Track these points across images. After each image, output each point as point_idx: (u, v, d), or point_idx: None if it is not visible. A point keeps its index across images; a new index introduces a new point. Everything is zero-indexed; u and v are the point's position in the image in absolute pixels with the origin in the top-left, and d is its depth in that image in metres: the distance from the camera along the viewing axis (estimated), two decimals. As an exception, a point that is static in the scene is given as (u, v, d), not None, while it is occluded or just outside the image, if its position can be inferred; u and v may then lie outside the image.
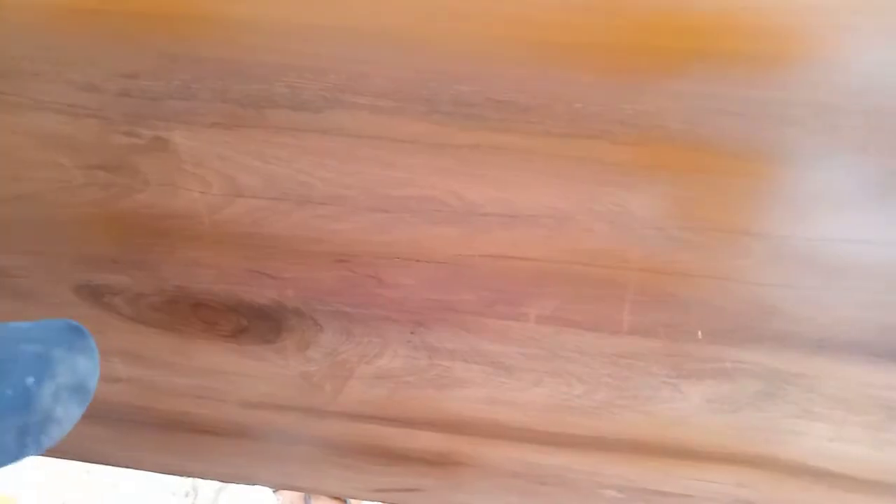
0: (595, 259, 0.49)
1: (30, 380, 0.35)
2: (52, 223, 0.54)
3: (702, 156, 0.44)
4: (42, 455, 0.90)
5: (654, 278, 0.50)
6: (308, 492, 0.92)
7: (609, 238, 0.47)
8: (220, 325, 0.71)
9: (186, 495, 1.33)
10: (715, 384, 0.62)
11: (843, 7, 0.39)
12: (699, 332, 0.53)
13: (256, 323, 0.70)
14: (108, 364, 0.79)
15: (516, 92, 0.41)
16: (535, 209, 0.47)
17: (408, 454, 0.83)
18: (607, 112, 0.42)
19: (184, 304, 0.69)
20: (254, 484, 0.87)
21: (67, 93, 0.45)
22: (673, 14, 0.39)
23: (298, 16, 0.40)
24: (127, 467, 0.98)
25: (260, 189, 0.49)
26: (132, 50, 0.42)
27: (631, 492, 0.76)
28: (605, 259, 0.49)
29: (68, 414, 0.39)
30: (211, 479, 0.90)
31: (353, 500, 1.09)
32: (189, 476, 0.95)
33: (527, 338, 0.63)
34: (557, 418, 0.74)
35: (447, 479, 0.85)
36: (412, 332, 0.66)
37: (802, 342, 0.56)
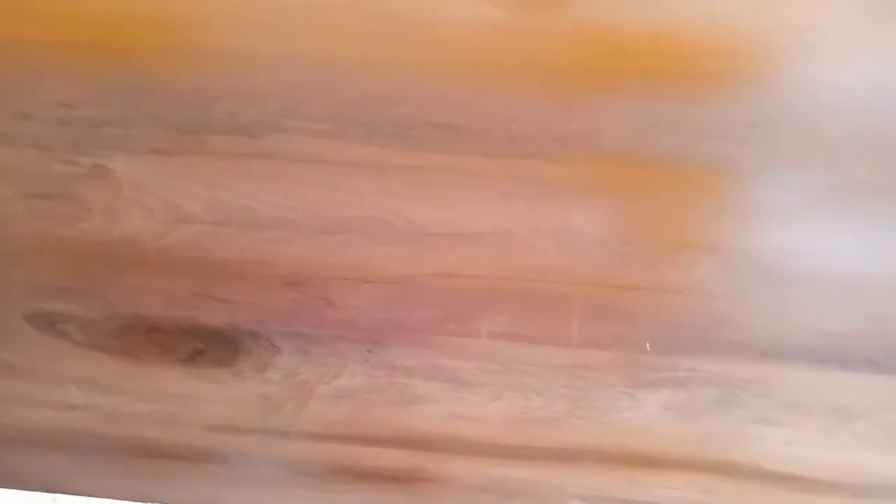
0: (542, 275, 0.49)
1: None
2: (-4, 253, 0.53)
3: (641, 172, 0.45)
4: (3, 487, 0.88)
5: (601, 292, 0.51)
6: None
7: (554, 254, 0.48)
8: (176, 349, 0.70)
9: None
10: (670, 393, 0.63)
11: (780, 27, 0.40)
12: (647, 344, 0.54)
13: (213, 346, 0.69)
14: (63, 392, 0.78)
15: (454, 114, 0.41)
16: (479, 228, 0.47)
17: (374, 472, 0.83)
18: (544, 132, 0.42)
19: (138, 330, 0.68)
20: (218, 508, 0.86)
21: (5, 122, 0.44)
22: (606, 35, 0.40)
23: (235, 42, 0.40)
24: (92, 495, 0.96)
25: (203, 214, 0.49)
26: (68, 79, 0.42)
27: (597, 501, 0.76)
28: (551, 275, 0.49)
29: None
30: (174, 506, 0.89)
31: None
32: (155, 502, 0.93)
33: (483, 353, 0.63)
34: (519, 431, 0.74)
35: (415, 495, 0.84)
36: (369, 351, 0.66)
37: (752, 349, 0.57)
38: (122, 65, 0.42)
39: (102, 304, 0.61)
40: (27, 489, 0.96)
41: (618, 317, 0.52)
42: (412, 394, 0.71)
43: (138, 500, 0.93)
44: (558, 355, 0.61)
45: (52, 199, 0.49)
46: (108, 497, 0.96)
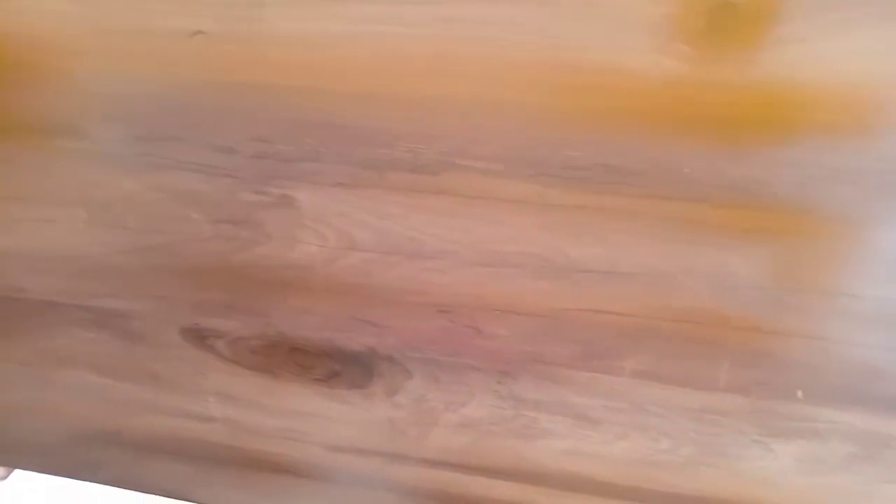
0: (693, 317, 0.50)
1: None
2: (177, 271, 0.58)
3: (802, 220, 0.45)
4: (127, 489, 0.94)
5: (753, 337, 0.51)
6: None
7: (708, 297, 0.49)
8: (313, 369, 0.74)
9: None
10: (807, 444, 0.62)
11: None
12: (799, 392, 0.53)
13: (349, 368, 0.73)
14: (202, 403, 0.83)
15: (622, 157, 0.43)
16: (634, 267, 0.49)
17: (483, 503, 0.84)
18: (711, 177, 0.44)
19: (281, 349, 0.73)
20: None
21: (206, 155, 0.50)
22: (783, 87, 0.41)
23: (420, 88, 0.44)
24: (207, 504, 1.01)
25: (373, 243, 0.52)
26: (269, 118, 0.47)
27: (714, 552, 0.74)
28: (702, 317, 0.50)
29: None
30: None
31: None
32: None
33: (613, 391, 0.64)
34: (640, 473, 0.74)
35: (522, 530, 0.84)
36: (499, 382, 0.68)
37: (902, 405, 0.56)
38: (317, 107, 0.46)
39: (258, 323, 0.65)
40: (150, 493, 1.02)
41: (767, 363, 0.52)
42: (536, 427, 0.73)
43: (253, 514, 0.97)
44: (693, 398, 0.61)
45: (235, 225, 0.54)
46: (227, 508, 1.01)
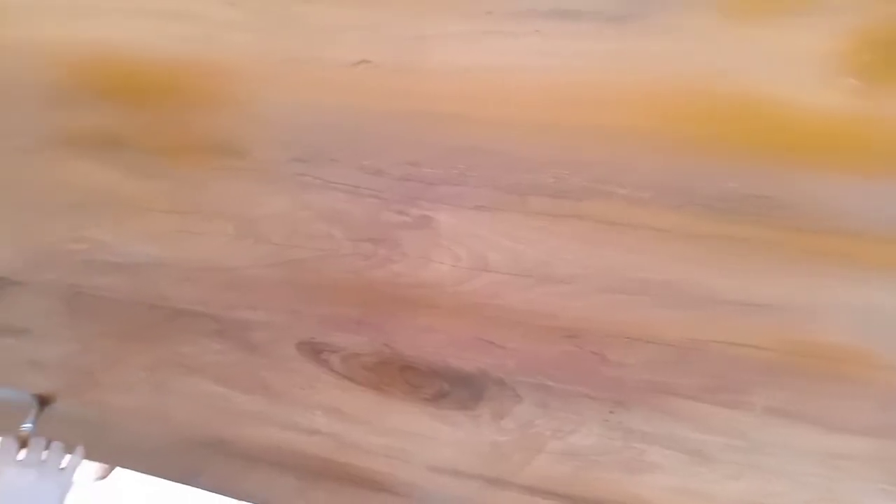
0: (837, 353, 0.49)
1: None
2: (313, 286, 0.61)
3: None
4: (225, 495, 0.97)
5: (897, 377, 0.49)
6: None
7: (854, 334, 0.48)
8: (423, 388, 0.76)
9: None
10: (942, 497, 0.59)
11: None
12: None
13: (458, 389, 0.74)
14: (309, 417, 0.86)
15: (773, 188, 0.44)
16: (775, 299, 0.48)
17: (582, 536, 0.83)
18: (863, 212, 0.43)
19: (392, 367, 0.75)
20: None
21: (356, 176, 0.53)
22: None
23: (571, 117, 0.46)
24: (303, 517, 1.04)
25: (505, 265, 0.54)
26: (421, 142, 0.50)
27: None
28: (847, 354, 0.49)
29: None
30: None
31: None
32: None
33: (733, 427, 0.62)
34: (750, 515, 0.71)
35: (618, 567, 0.82)
36: (611, 412, 0.68)
37: None
38: (469, 134, 0.49)
39: (379, 339, 0.67)
40: (247, 501, 1.06)
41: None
42: (644, 461, 0.72)
43: (346, 529, 0.99)
44: (818, 440, 0.60)
45: (374, 243, 0.56)
46: (320, 522, 1.03)
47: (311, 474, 0.93)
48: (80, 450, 0.89)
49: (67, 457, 0.87)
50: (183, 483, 0.97)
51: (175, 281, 0.67)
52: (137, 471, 1.05)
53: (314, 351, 0.77)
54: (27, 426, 0.89)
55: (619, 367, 0.56)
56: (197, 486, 1.05)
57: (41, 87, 0.54)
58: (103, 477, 1.59)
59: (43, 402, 0.94)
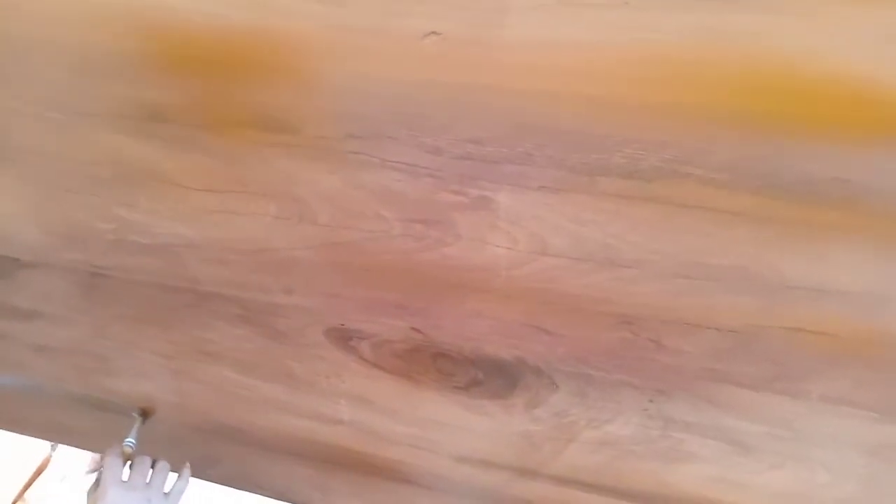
0: (907, 342, 0.48)
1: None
2: (357, 268, 0.59)
3: None
4: (239, 488, 0.94)
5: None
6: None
7: (927, 322, 0.47)
8: (455, 376, 0.74)
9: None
10: None
11: None
12: None
13: (492, 378, 0.73)
14: (333, 406, 0.84)
15: (866, 173, 0.42)
16: (850, 286, 0.47)
17: (612, 527, 0.82)
18: (951, 197, 0.42)
19: (425, 354, 0.73)
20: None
21: (414, 154, 0.51)
22: None
23: (649, 94, 0.44)
24: (319, 509, 1.02)
25: (565, 249, 0.52)
26: (488, 119, 0.48)
27: None
28: (918, 343, 0.48)
29: None
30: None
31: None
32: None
33: (779, 418, 0.62)
34: (787, 506, 0.71)
35: (647, 558, 0.82)
36: (650, 401, 0.67)
37: None
38: (540, 111, 0.47)
39: (419, 324, 0.66)
40: (263, 494, 1.03)
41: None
42: (682, 450, 0.71)
43: (365, 521, 0.97)
44: (865, 430, 0.59)
45: (426, 224, 0.54)
46: (337, 513, 1.02)
47: (331, 465, 0.91)
48: (186, 472, 0.85)
49: (172, 479, 0.83)
50: (195, 475, 0.94)
51: (206, 263, 0.64)
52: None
53: (343, 338, 0.75)
54: (130, 441, 0.85)
55: (675, 355, 0.55)
56: (209, 479, 1.02)
57: (78, 52, 0.51)
58: (96, 469, 1.55)
59: (145, 414, 0.90)
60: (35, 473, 1.63)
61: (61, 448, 1.57)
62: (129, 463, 0.81)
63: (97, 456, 1.56)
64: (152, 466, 0.80)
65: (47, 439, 1.10)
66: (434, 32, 0.45)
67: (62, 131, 0.57)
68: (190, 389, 0.87)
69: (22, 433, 1.06)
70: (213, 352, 0.81)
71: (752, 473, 0.69)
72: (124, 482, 0.76)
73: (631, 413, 0.69)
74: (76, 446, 1.08)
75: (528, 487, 0.82)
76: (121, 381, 0.87)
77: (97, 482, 0.77)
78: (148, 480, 0.78)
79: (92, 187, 0.61)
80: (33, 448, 1.61)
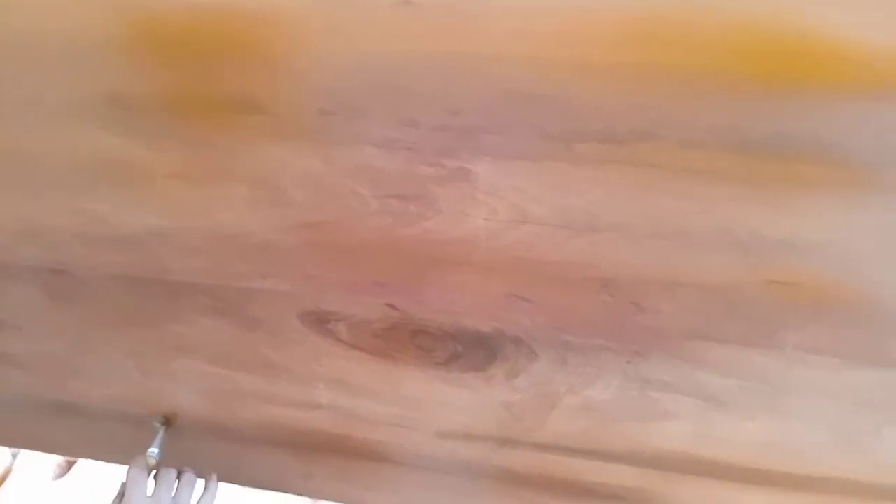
0: (882, 290, 0.50)
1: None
2: (332, 248, 0.59)
3: None
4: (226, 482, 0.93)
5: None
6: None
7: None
8: (435, 352, 0.74)
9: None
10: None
11: None
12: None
13: (472, 350, 0.73)
14: (312, 391, 0.83)
15: (838, 132, 0.44)
16: (820, 238, 0.49)
17: (595, 489, 0.84)
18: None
19: (403, 332, 0.73)
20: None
21: (389, 128, 0.50)
22: None
23: (626, 57, 0.44)
24: (303, 495, 1.01)
25: (545, 217, 0.53)
26: (462, 89, 0.47)
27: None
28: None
29: None
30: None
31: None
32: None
33: (755, 372, 0.64)
34: (762, 456, 0.74)
35: (635, 516, 0.84)
36: (628, 362, 0.68)
37: None
38: (516, 78, 0.47)
39: (398, 301, 0.65)
40: (245, 485, 1.02)
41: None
42: (660, 409, 0.73)
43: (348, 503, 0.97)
44: (837, 376, 0.61)
45: (405, 199, 0.54)
46: (320, 498, 1.01)
47: (312, 451, 0.91)
48: (213, 484, 0.82)
49: (198, 492, 0.81)
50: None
51: (176, 252, 0.62)
52: (114, 462, 1.00)
53: (320, 321, 0.74)
54: (153, 451, 0.82)
55: (656, 315, 0.56)
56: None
57: (33, 38, 0.49)
58: (61, 475, 1.51)
59: (167, 423, 0.87)
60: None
61: (22, 456, 1.52)
62: (153, 473, 0.79)
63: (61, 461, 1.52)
64: (178, 478, 0.78)
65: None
66: (407, 2, 0.44)
67: (18, 123, 0.54)
68: (163, 387, 0.85)
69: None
70: (184, 346, 0.79)
71: (728, 427, 0.71)
72: (149, 497, 0.74)
73: (610, 377, 0.70)
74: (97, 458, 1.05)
75: (511, 457, 0.83)
76: (89, 384, 0.84)
77: (120, 495, 0.75)
78: (174, 494, 0.76)
79: (50, 180, 0.58)
80: (-7, 458, 1.55)
